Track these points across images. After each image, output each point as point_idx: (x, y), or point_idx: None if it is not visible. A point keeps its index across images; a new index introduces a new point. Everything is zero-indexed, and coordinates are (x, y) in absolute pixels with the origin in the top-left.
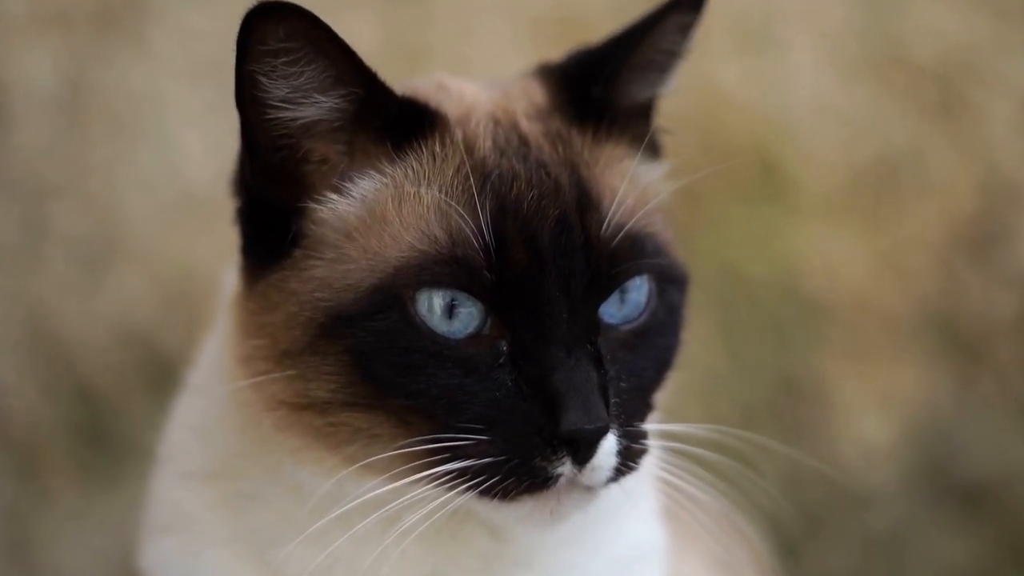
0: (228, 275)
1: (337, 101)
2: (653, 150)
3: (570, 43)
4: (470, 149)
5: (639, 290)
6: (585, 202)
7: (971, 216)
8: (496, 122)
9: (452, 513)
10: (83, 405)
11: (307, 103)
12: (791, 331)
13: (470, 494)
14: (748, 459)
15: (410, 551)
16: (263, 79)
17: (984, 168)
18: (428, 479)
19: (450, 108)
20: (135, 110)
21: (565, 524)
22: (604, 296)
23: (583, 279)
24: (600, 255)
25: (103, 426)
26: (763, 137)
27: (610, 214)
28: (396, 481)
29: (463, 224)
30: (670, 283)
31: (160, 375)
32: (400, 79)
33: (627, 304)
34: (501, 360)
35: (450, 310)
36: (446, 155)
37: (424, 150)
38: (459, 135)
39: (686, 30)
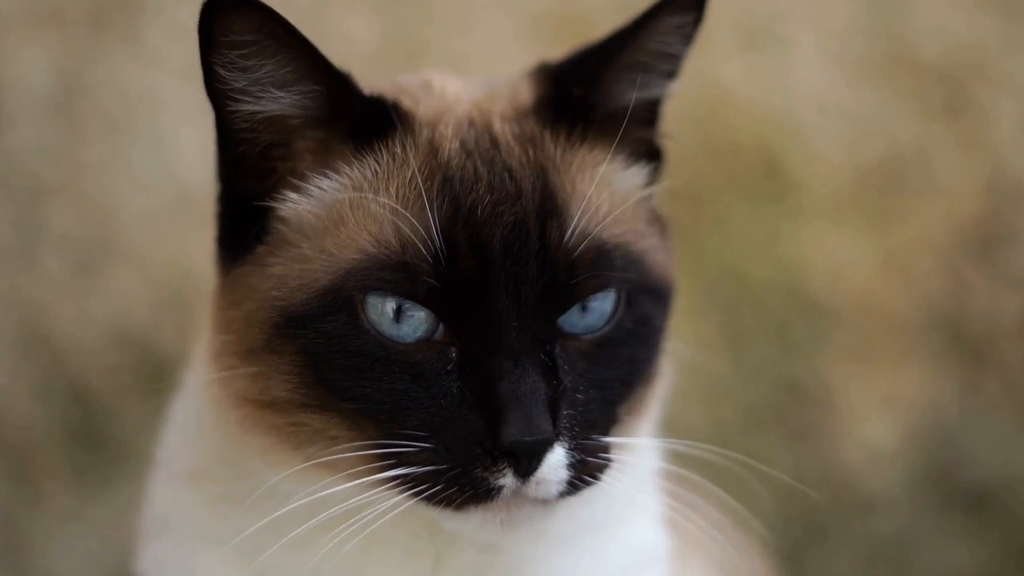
0: None
1: (297, 98)
2: (646, 154)
3: (573, 39)
4: (434, 151)
5: (604, 299)
6: (548, 208)
7: (977, 217)
8: (471, 122)
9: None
10: (77, 407)
11: (266, 97)
12: (795, 333)
13: (417, 500)
14: (749, 464)
15: (400, 561)
16: (221, 71)
17: (990, 169)
18: (380, 483)
19: (424, 108)
20: (129, 109)
21: (559, 530)
22: (564, 306)
23: (535, 288)
24: (558, 264)
25: (97, 428)
26: (767, 136)
27: (574, 222)
28: (353, 480)
29: (414, 229)
30: (643, 293)
31: (155, 377)
32: (390, 75)
33: (590, 313)
34: (449, 367)
35: (400, 314)
36: (406, 157)
37: (385, 152)
38: (424, 137)
39: (681, 31)
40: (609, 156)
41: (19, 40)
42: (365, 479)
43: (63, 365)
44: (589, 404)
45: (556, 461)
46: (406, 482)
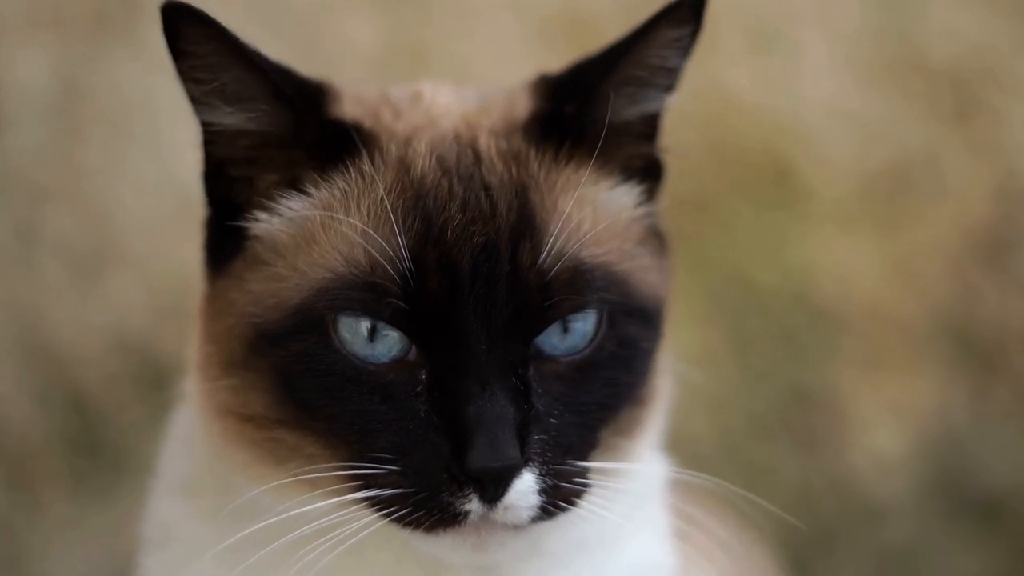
0: None
1: (252, 115)
2: (641, 171)
3: (578, 43)
4: (406, 168)
5: (585, 320)
6: (522, 228)
7: (987, 222)
8: (456, 137)
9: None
10: (76, 414)
11: (219, 111)
12: (802, 340)
13: (387, 521)
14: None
15: None
16: (182, 77)
17: (1001, 173)
18: (354, 502)
19: (403, 124)
20: (129, 112)
21: (553, 549)
22: (538, 328)
23: (505, 310)
24: (530, 286)
25: (96, 436)
26: (775, 141)
27: (551, 242)
28: (332, 498)
29: (382, 250)
30: (627, 315)
31: (155, 384)
32: (389, 80)
33: (571, 335)
34: (418, 389)
35: (374, 334)
36: (375, 176)
37: (352, 171)
38: (394, 155)
39: (678, 44)
40: (596, 174)
41: (18, 42)
42: (341, 498)
43: (62, 372)
44: (564, 428)
45: (525, 487)
46: (375, 503)
